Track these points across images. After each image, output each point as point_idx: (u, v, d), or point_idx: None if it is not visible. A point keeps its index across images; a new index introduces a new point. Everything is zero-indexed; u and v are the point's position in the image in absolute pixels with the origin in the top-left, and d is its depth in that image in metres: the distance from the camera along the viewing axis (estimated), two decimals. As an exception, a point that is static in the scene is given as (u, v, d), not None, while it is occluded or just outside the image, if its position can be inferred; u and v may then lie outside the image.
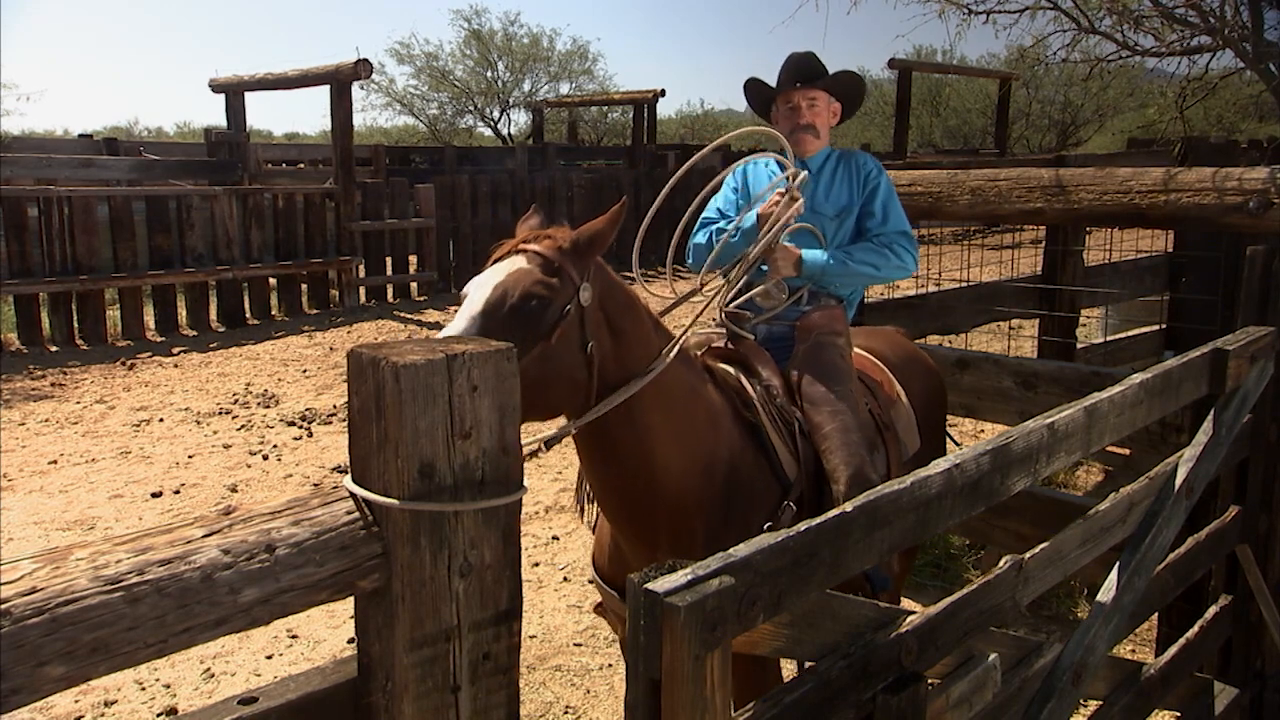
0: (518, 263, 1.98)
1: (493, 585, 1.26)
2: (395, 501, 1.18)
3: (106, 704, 3.40)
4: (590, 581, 4.36)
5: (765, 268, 2.68)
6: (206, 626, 1.05)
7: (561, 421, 2.14)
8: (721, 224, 2.84)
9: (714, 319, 2.67)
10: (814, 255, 2.70)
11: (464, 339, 1.32)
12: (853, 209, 2.81)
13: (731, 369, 2.49)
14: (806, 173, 2.74)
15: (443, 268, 11.94)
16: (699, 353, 2.56)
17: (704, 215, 2.90)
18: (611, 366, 2.06)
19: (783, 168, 2.68)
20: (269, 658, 3.74)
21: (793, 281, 2.68)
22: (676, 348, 2.19)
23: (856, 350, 2.84)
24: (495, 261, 2.03)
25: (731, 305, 2.66)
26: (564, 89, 28.16)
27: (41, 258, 8.93)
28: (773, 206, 2.60)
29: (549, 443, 2.08)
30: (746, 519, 2.24)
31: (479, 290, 1.95)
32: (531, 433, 2.08)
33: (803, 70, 2.84)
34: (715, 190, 2.94)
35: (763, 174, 2.91)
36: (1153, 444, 3.65)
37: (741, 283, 2.65)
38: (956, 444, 3.60)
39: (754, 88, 2.97)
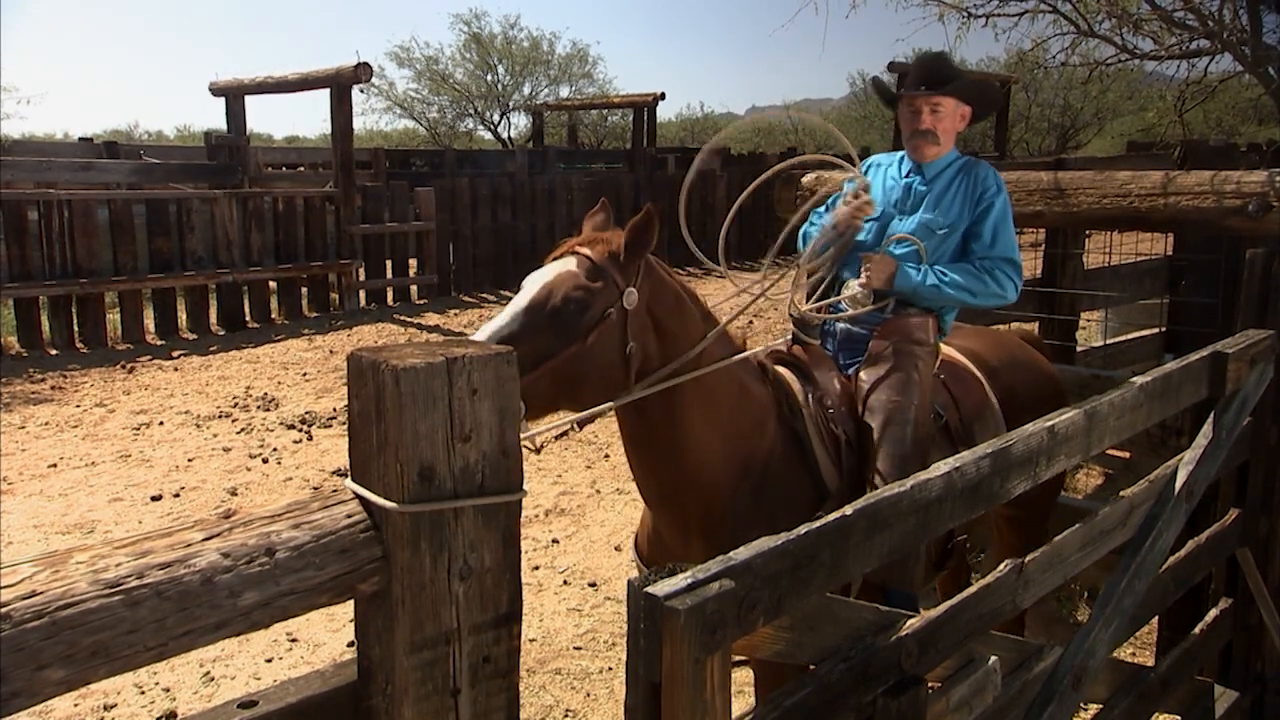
0: (568, 264, 2.08)
1: (493, 588, 1.26)
2: (395, 504, 1.18)
3: (106, 708, 3.40)
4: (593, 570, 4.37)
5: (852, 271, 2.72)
6: (206, 630, 1.05)
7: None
8: (812, 220, 2.86)
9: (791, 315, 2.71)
10: (908, 274, 2.63)
11: (464, 343, 1.33)
12: (959, 226, 2.72)
13: (788, 373, 2.52)
14: (869, 179, 2.77)
15: (443, 271, 11.93)
16: (761, 349, 2.57)
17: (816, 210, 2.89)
18: (655, 365, 2.13)
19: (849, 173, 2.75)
20: (269, 661, 3.74)
21: (882, 292, 2.67)
22: (699, 350, 2.22)
23: (950, 351, 2.83)
24: (553, 260, 2.12)
25: (813, 305, 2.69)
26: (564, 92, 28.19)
27: (41, 261, 8.94)
28: (844, 207, 2.66)
29: (581, 423, 2.14)
30: (775, 522, 2.24)
31: (530, 286, 2.05)
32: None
33: (929, 74, 2.76)
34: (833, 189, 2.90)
35: (875, 177, 2.88)
36: (1153, 447, 3.66)
37: (827, 280, 2.71)
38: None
39: (880, 86, 2.95)
